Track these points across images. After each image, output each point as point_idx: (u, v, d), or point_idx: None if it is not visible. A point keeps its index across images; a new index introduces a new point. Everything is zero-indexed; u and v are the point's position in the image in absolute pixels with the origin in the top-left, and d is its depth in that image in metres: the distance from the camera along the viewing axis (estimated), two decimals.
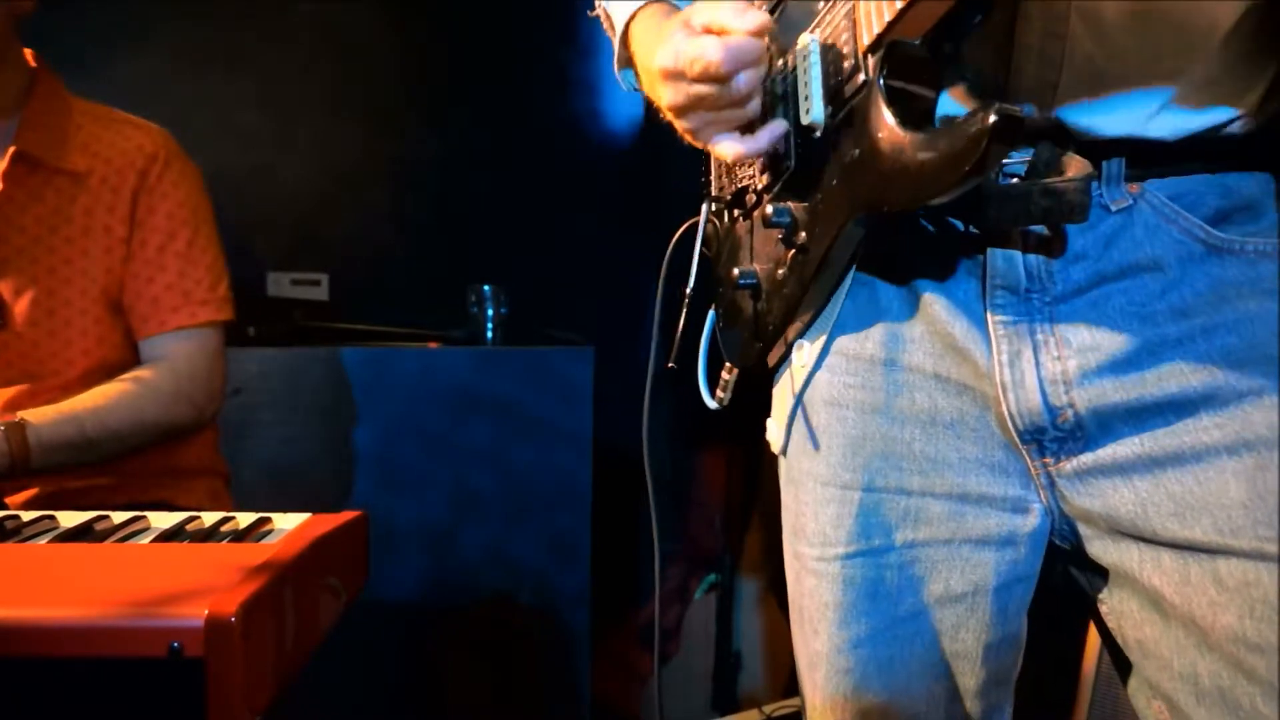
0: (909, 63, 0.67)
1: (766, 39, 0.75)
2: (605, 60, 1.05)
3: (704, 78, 0.74)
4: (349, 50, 2.53)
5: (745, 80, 0.75)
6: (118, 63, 2.31)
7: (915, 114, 0.67)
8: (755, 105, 0.79)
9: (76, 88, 1.42)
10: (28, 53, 1.37)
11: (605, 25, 1.02)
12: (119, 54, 2.32)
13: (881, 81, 0.67)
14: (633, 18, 0.93)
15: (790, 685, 2.31)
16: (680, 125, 0.82)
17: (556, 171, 2.66)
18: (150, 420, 1.35)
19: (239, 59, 2.44)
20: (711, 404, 0.98)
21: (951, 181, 0.62)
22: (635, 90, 0.97)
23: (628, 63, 0.96)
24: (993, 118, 0.58)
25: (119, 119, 1.42)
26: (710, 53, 0.72)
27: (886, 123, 0.67)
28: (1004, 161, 0.67)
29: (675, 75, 0.77)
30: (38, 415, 1.24)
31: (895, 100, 0.67)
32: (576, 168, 2.69)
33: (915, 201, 0.67)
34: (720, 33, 0.74)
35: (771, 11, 0.82)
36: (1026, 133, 0.68)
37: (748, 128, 0.81)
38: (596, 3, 1.02)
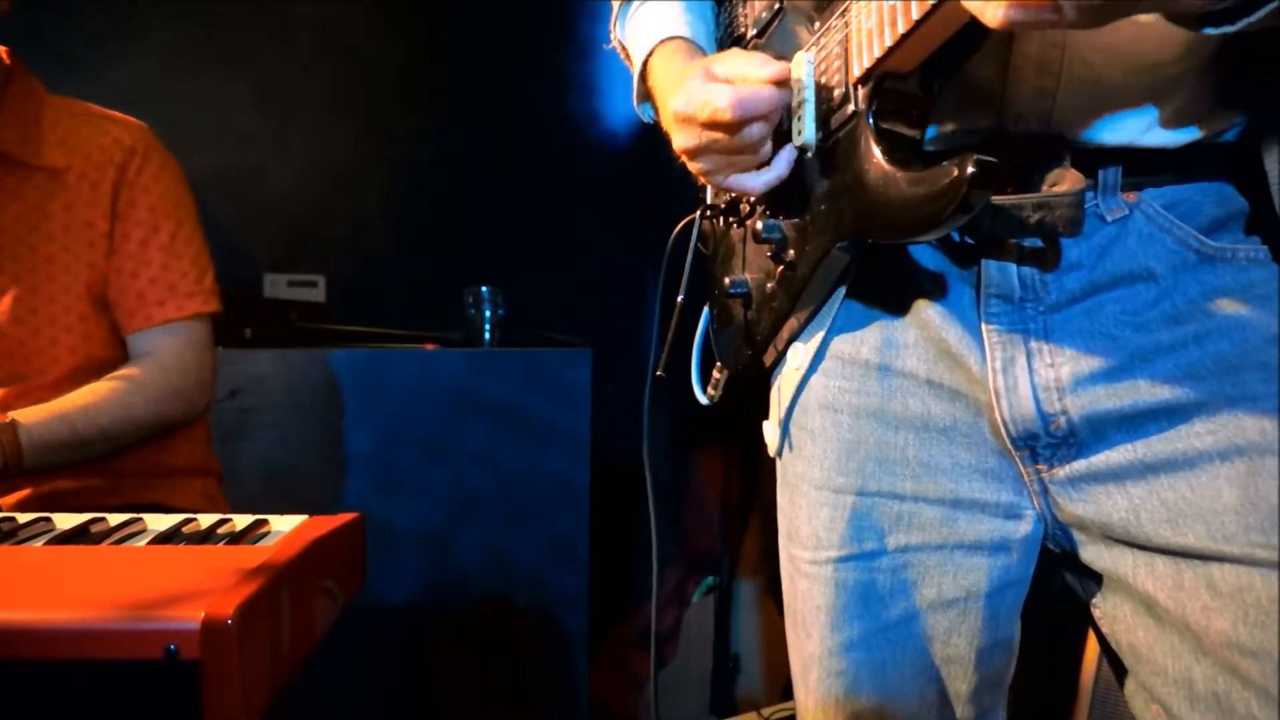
0: (898, 96, 0.67)
1: (784, 88, 0.74)
2: (603, 61, 1.05)
3: (713, 124, 0.74)
4: (346, 51, 2.52)
5: (757, 129, 0.74)
6: (114, 63, 2.30)
7: (903, 148, 0.68)
8: (767, 150, 0.78)
9: (72, 89, 1.41)
10: (2, 51, 1.35)
11: (622, 57, 1.02)
12: (115, 55, 2.31)
13: (870, 117, 0.68)
14: (651, 53, 0.92)
15: (789, 688, 2.31)
16: (693, 167, 0.82)
17: (554, 173, 2.66)
18: (141, 416, 1.34)
19: (236, 60, 2.43)
20: (703, 400, 0.98)
21: (932, 222, 0.62)
22: (654, 123, 0.95)
23: (646, 97, 0.95)
24: (970, 168, 0.58)
25: (95, 114, 1.40)
26: (719, 99, 0.72)
27: (873, 156, 0.67)
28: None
29: (687, 119, 0.77)
30: (28, 415, 1.24)
31: (883, 134, 0.67)
32: (574, 169, 2.69)
33: (899, 236, 0.67)
34: (738, 80, 0.74)
35: (773, 19, 0.82)
36: (1024, 142, 0.68)
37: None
38: (613, 36, 1.02)
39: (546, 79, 2.68)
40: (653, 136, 0.93)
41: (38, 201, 1.34)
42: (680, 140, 0.80)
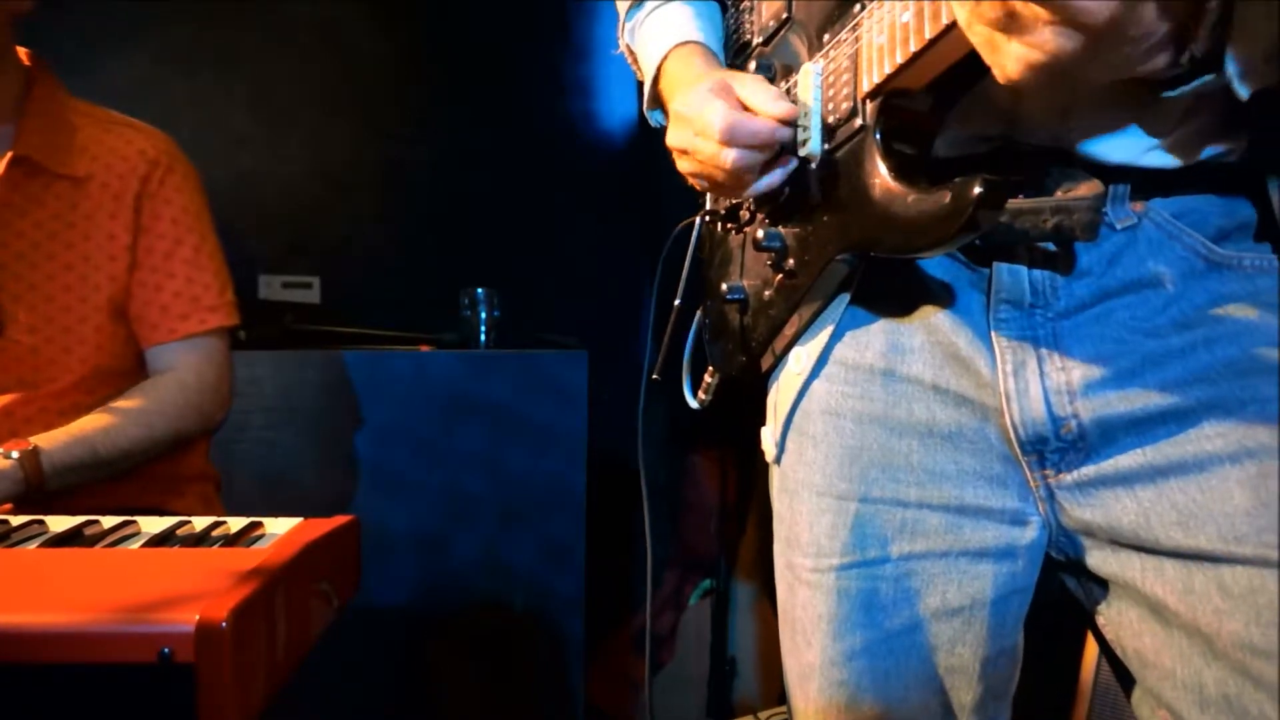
0: (907, 113, 0.67)
1: (786, 126, 0.77)
2: (600, 62, 1.04)
3: (702, 136, 0.77)
4: (342, 52, 2.52)
5: (738, 155, 0.77)
6: (108, 63, 2.29)
7: (910, 164, 0.68)
8: (749, 178, 0.80)
9: (67, 88, 1.41)
10: (24, 53, 1.35)
11: (630, 62, 1.01)
12: (110, 54, 2.30)
13: (878, 133, 0.68)
14: (666, 57, 0.92)
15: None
16: (680, 166, 0.85)
17: (551, 174, 2.66)
18: (161, 435, 1.34)
19: (231, 60, 2.43)
20: (693, 404, 0.98)
21: (940, 240, 0.63)
22: (663, 129, 0.95)
23: (657, 103, 0.95)
24: (978, 189, 0.58)
25: (119, 122, 1.40)
26: (713, 118, 0.75)
27: (880, 171, 0.67)
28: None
29: (683, 121, 0.80)
30: (49, 439, 1.23)
31: (890, 150, 0.67)
32: (571, 170, 2.69)
33: (904, 251, 0.67)
34: (751, 110, 0.76)
35: (780, 28, 0.82)
36: (1036, 153, 0.68)
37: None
38: (621, 42, 1.01)
39: (543, 80, 2.68)
40: (650, 139, 0.94)
41: (58, 209, 1.33)
42: (672, 137, 0.82)
